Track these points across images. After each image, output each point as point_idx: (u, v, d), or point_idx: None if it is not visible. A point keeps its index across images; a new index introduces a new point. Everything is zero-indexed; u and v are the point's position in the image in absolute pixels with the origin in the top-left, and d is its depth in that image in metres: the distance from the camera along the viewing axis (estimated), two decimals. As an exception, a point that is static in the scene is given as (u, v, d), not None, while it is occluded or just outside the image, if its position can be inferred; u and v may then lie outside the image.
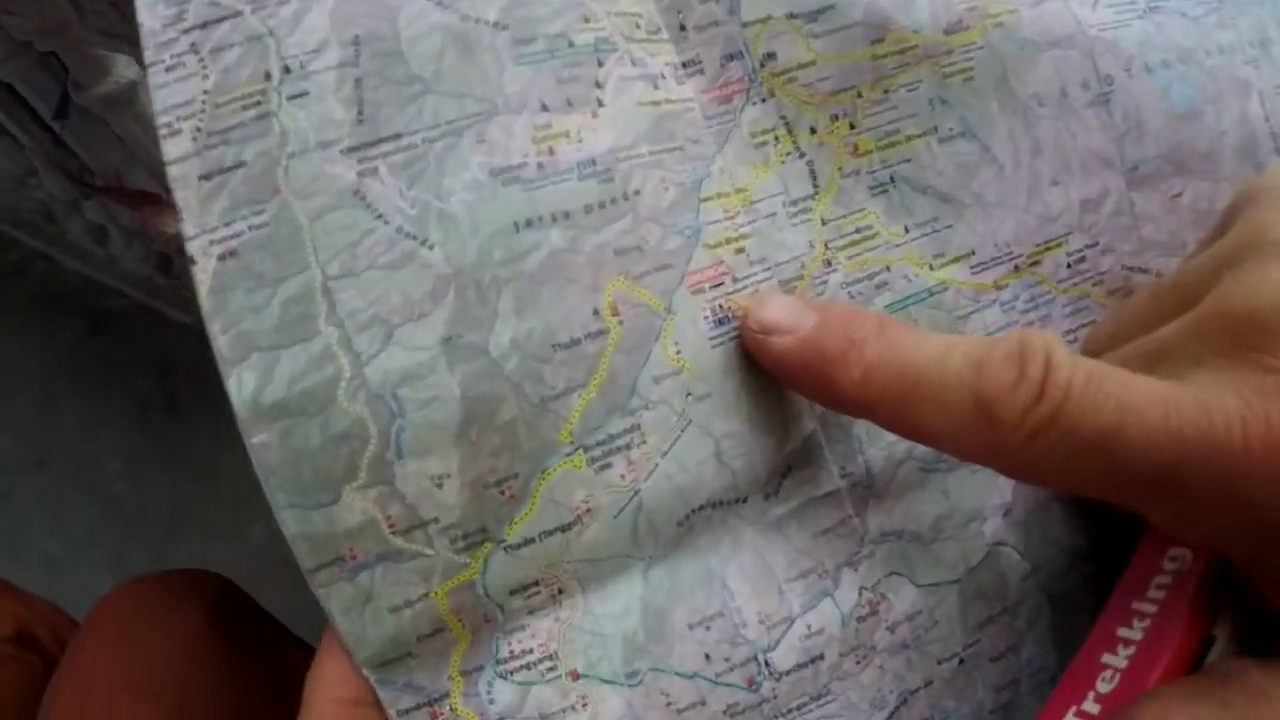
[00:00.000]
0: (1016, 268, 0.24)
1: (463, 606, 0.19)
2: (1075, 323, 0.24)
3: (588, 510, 0.20)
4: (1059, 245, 0.24)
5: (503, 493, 0.19)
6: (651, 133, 0.21)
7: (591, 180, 0.20)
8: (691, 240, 0.21)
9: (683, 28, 0.21)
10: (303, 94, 0.18)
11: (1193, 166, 0.25)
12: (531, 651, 0.19)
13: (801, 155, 0.22)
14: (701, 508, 0.21)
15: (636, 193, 0.20)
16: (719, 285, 0.21)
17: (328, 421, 0.17)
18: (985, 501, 0.23)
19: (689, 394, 0.20)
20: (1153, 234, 0.25)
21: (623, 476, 0.20)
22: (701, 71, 0.22)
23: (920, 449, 0.23)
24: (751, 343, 0.20)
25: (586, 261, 0.19)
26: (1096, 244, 0.24)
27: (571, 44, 0.20)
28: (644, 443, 0.20)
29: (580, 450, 0.20)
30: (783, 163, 0.22)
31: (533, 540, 0.19)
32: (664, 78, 0.21)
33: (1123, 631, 0.20)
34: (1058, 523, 0.24)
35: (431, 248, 0.18)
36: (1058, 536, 0.24)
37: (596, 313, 0.19)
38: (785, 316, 0.20)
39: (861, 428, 0.22)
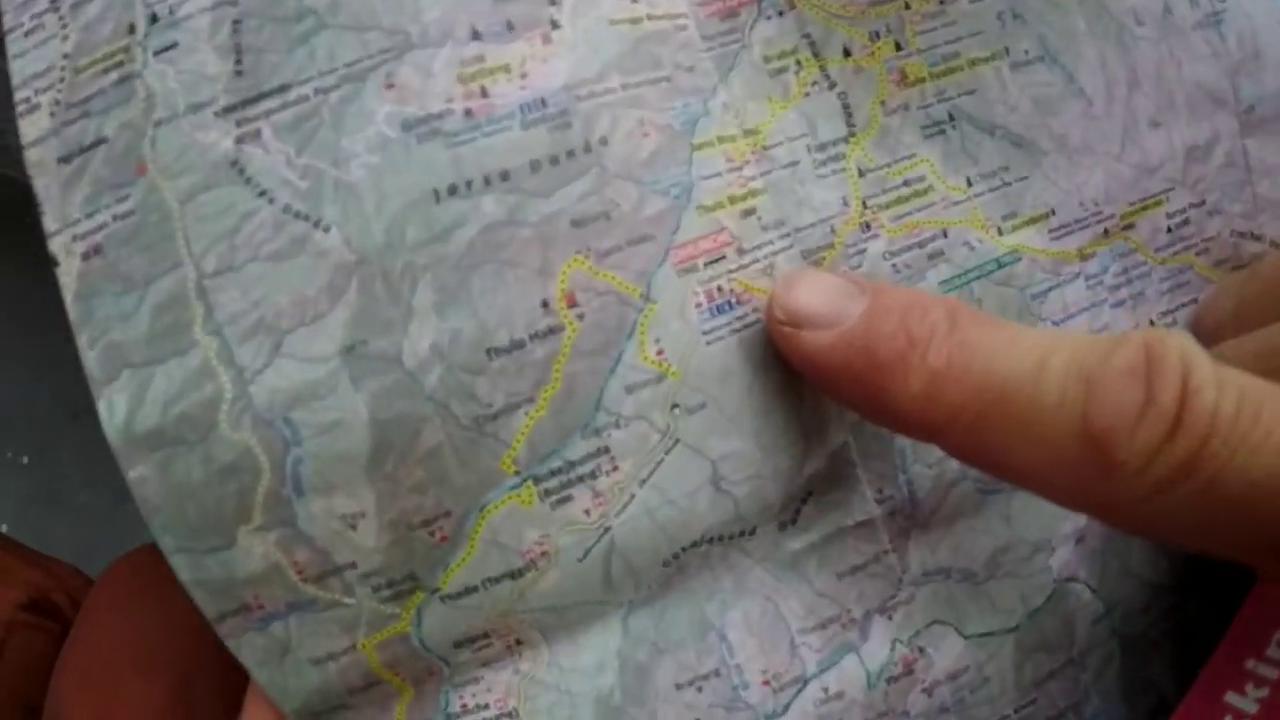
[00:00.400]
0: (1106, 231, 0.20)
1: (397, 660, 0.16)
2: (1174, 301, 0.20)
3: (543, 553, 0.16)
4: (1158, 204, 0.20)
5: (432, 534, 0.16)
6: (627, 60, 0.16)
7: (540, 128, 0.15)
8: (680, 201, 0.16)
9: None
10: (171, 46, 0.15)
11: None
12: (487, 707, 0.17)
13: (832, 85, 0.18)
14: (695, 544, 0.17)
15: (603, 141, 0.16)
16: (718, 260, 0.16)
17: (210, 452, 0.15)
18: (1055, 528, 0.19)
19: (675, 406, 0.16)
20: (1268, 191, 0.21)
21: (587, 512, 0.16)
22: None
23: None
24: (778, 336, 0.16)
25: (532, 237, 0.15)
26: (1203, 203, 0.20)
27: None
28: (614, 469, 0.16)
29: (529, 482, 0.16)
30: (807, 95, 0.18)
31: (475, 589, 0.16)
32: None
33: (1232, 698, 0.16)
34: (1140, 549, 0.20)
35: (327, 230, 0.15)
36: (1139, 567, 0.20)
37: (546, 305, 0.15)
38: (823, 303, 0.15)
39: (907, 440, 0.18)
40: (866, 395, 0.15)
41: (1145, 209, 0.20)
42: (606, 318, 0.16)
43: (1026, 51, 0.19)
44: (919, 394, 0.14)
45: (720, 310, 0.16)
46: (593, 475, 0.16)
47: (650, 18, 0.16)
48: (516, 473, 0.15)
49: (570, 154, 0.15)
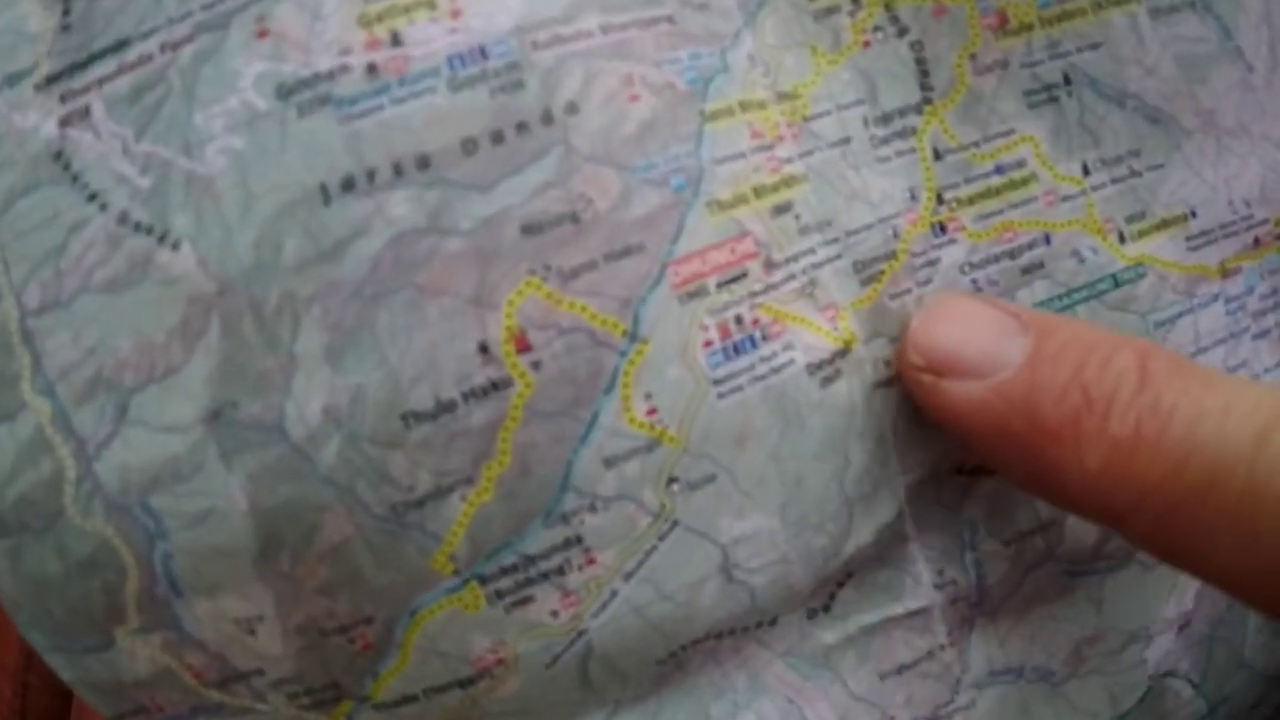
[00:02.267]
0: (1256, 241, 0.15)
1: None
2: None
3: (499, 661, 0.12)
4: None
5: (352, 642, 0.12)
6: None
7: (478, 89, 0.11)
8: (684, 195, 0.11)
9: None
10: None
11: None
12: None
13: (902, 31, 0.13)
14: (698, 641, 0.12)
15: (571, 108, 0.11)
16: (737, 279, 0.11)
17: (62, 543, 0.12)
18: (1155, 613, 0.15)
19: (673, 480, 0.11)
20: None
21: (554, 614, 0.12)
22: None
23: (1071, 544, 0.14)
24: (914, 385, 0.12)
25: (464, 252, 0.11)
26: None
27: None
28: (590, 563, 0.11)
29: (473, 583, 0.11)
30: (866, 45, 0.13)
31: (414, 698, 0.12)
32: None
33: None
34: (1257, 633, 0.16)
35: (176, 246, 0.11)
36: (1252, 654, 0.16)
37: (486, 350, 0.11)
38: (974, 343, 0.12)
39: (979, 509, 0.13)
40: (1028, 466, 0.12)
41: None
42: (574, 366, 0.11)
43: None
44: (1097, 470, 0.11)
45: (738, 350, 0.11)
46: (560, 571, 0.11)
47: None
48: (455, 572, 0.11)
49: (522, 127, 0.10)
